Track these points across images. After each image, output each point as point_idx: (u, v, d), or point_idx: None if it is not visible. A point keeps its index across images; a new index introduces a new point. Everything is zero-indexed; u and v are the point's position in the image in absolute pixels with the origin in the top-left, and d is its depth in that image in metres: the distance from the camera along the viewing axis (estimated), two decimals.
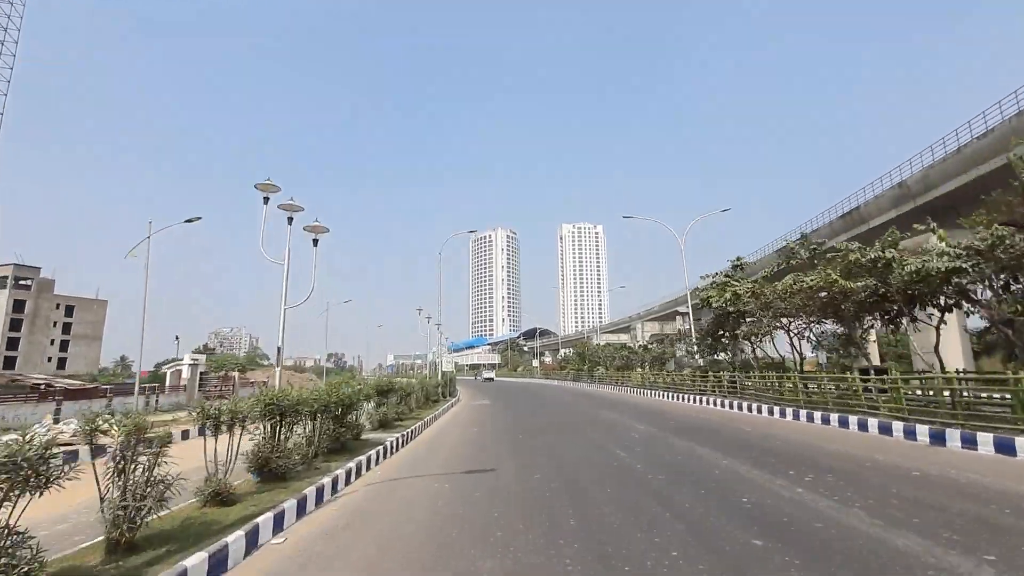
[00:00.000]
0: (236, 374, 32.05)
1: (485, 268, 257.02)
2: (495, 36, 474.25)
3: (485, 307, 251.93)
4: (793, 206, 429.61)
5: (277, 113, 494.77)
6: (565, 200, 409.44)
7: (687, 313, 34.60)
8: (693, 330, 28.95)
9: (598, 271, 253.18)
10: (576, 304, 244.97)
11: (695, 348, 28.51)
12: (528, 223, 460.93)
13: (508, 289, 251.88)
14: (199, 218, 23.14)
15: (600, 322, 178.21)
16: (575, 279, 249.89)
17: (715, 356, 26.11)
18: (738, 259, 26.04)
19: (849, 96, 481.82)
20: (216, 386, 32.01)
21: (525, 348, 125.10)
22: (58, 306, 74.10)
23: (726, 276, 24.61)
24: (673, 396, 25.45)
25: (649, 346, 43.12)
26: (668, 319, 63.15)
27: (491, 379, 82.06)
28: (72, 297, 76.79)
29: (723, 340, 24.56)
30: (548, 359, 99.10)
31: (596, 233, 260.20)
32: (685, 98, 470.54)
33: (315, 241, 11.70)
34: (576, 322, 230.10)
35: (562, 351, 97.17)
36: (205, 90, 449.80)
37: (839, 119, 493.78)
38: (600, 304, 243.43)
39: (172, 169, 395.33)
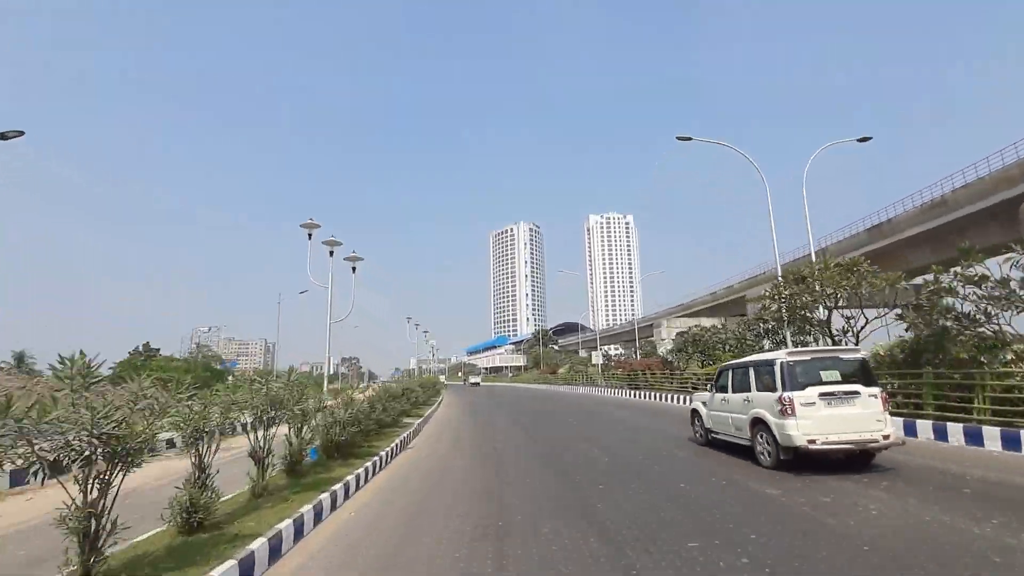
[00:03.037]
0: None
1: (507, 264, 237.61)
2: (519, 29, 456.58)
3: (507, 306, 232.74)
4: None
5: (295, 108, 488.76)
6: (590, 191, 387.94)
7: None
8: None
9: (629, 263, 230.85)
10: (607, 299, 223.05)
11: None
12: (552, 217, 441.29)
13: (532, 286, 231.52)
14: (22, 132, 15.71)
15: (634, 315, 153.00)
16: (605, 272, 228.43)
17: None
18: None
19: None
20: None
21: (555, 347, 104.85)
22: None
23: None
24: None
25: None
26: None
27: (477, 384, 75.16)
28: None
29: None
30: (578, 357, 77.80)
31: (626, 223, 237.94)
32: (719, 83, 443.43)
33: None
34: (607, 318, 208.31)
35: (617, 347, 76.56)
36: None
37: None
38: (633, 298, 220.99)
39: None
